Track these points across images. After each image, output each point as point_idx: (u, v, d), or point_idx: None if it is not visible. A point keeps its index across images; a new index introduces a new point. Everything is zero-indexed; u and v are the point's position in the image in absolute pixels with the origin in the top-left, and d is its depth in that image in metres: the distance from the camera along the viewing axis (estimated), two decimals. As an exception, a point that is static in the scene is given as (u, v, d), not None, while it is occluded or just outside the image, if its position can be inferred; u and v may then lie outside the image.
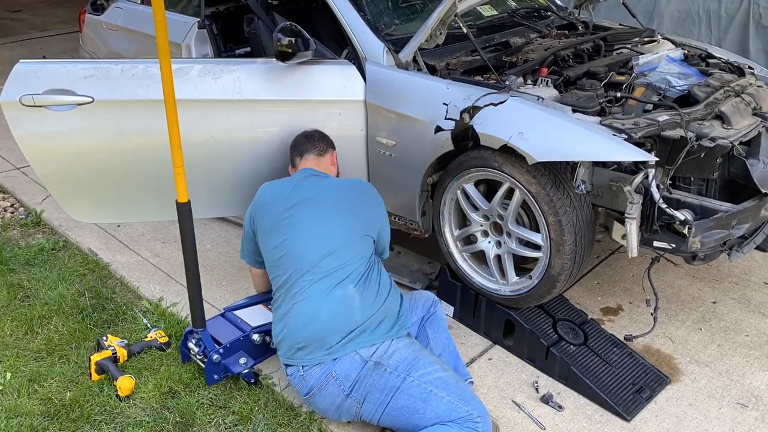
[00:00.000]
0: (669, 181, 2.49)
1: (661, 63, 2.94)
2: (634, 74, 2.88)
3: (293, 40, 2.78)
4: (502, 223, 2.74)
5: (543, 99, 2.61)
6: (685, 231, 2.39)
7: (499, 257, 2.83)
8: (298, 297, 2.41)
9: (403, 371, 2.29)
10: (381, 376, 2.29)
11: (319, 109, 2.98)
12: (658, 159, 2.36)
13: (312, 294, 2.39)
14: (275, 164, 3.05)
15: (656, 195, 2.37)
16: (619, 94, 2.71)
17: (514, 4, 3.83)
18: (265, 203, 2.63)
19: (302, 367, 2.38)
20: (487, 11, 3.59)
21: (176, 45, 3.65)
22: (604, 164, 2.60)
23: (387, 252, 2.71)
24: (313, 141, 2.78)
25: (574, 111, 2.56)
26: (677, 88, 2.77)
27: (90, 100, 2.83)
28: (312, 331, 2.36)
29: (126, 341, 2.88)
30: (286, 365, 2.45)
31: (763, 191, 2.45)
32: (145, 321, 3.06)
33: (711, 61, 3.24)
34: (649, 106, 2.63)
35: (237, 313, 2.87)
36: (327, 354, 2.34)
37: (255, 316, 2.85)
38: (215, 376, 2.67)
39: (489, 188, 2.80)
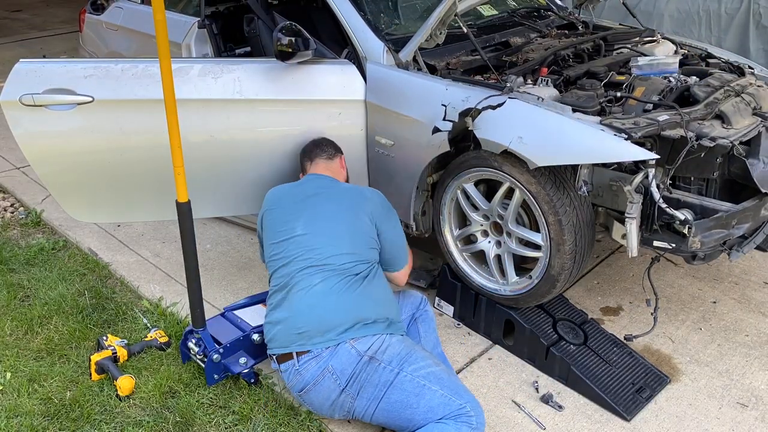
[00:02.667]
0: (669, 181, 2.49)
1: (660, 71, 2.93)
2: (633, 75, 2.88)
3: (293, 39, 2.78)
4: (502, 223, 2.74)
5: (543, 99, 2.61)
6: (685, 231, 2.39)
7: (499, 257, 2.83)
8: (301, 286, 2.43)
9: (396, 366, 2.30)
10: (375, 370, 2.30)
11: (320, 109, 2.98)
12: (659, 157, 2.36)
13: (316, 284, 2.42)
14: (275, 164, 3.05)
15: (656, 195, 2.37)
16: (619, 94, 2.71)
17: (514, 3, 3.83)
18: (274, 200, 2.67)
19: (297, 361, 2.37)
20: (487, 11, 3.59)
21: (176, 45, 3.65)
22: (604, 164, 2.59)
23: (397, 265, 2.69)
24: (321, 146, 2.86)
25: (574, 111, 2.56)
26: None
27: (90, 99, 2.84)
28: (314, 317, 2.38)
29: (126, 341, 2.88)
30: (280, 361, 2.45)
31: (763, 191, 2.45)
32: (145, 321, 3.06)
33: (711, 61, 3.24)
34: (649, 106, 2.63)
35: (237, 312, 2.88)
36: (326, 341, 2.35)
37: (255, 316, 2.85)
38: (215, 376, 2.67)
39: (489, 188, 2.80)
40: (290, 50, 2.79)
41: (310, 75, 2.97)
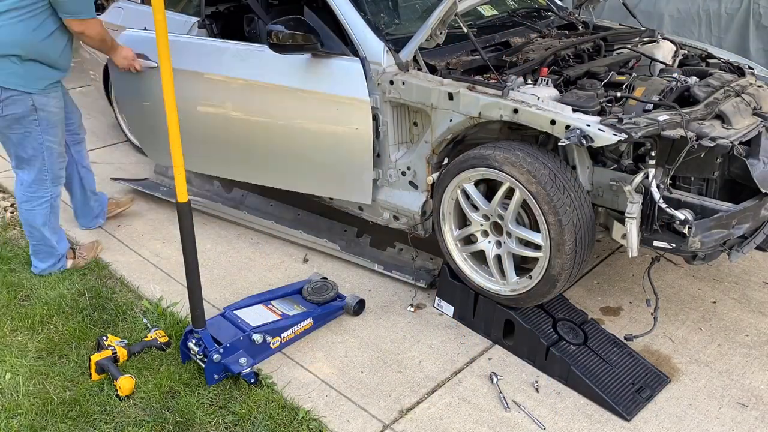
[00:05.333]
0: (669, 181, 2.49)
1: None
2: (633, 74, 2.88)
3: (301, 34, 2.86)
4: (502, 223, 2.74)
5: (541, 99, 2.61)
6: (685, 231, 2.39)
7: (499, 257, 2.83)
8: None
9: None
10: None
11: (325, 103, 3.01)
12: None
13: None
14: (285, 142, 3.23)
15: (656, 195, 2.37)
16: (619, 94, 2.71)
17: (514, 4, 3.83)
18: None
19: None
20: (488, 11, 3.60)
21: (176, 45, 3.67)
22: (604, 164, 2.60)
23: None
24: None
25: (574, 111, 2.56)
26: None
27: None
28: None
29: (126, 341, 2.88)
30: None
31: (763, 191, 2.45)
32: (145, 321, 3.06)
33: (711, 61, 3.24)
34: (649, 106, 2.63)
35: (237, 312, 2.88)
36: None
37: (255, 316, 2.86)
38: (215, 376, 2.67)
39: (489, 188, 2.80)
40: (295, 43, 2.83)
41: (320, 69, 3.00)
